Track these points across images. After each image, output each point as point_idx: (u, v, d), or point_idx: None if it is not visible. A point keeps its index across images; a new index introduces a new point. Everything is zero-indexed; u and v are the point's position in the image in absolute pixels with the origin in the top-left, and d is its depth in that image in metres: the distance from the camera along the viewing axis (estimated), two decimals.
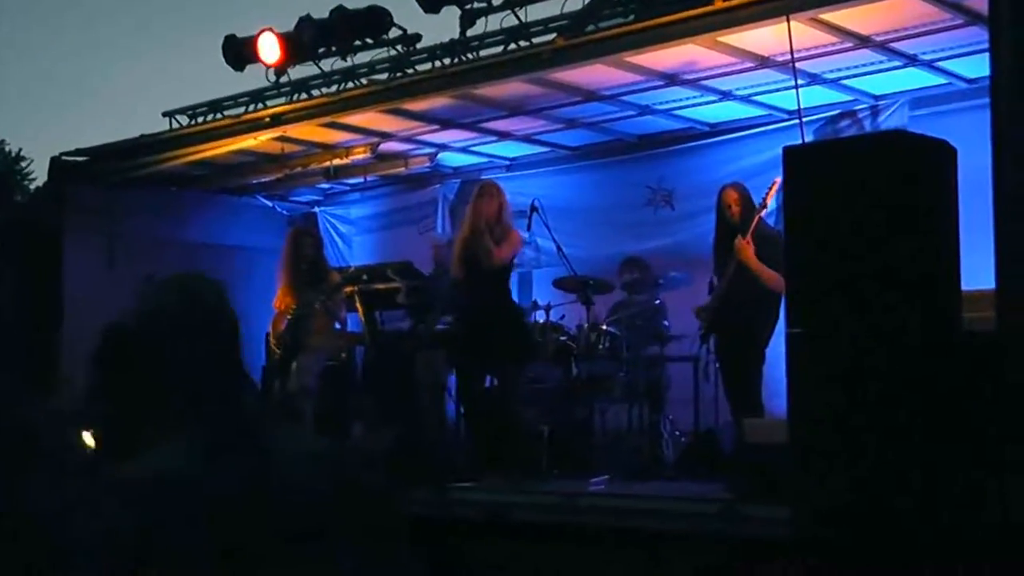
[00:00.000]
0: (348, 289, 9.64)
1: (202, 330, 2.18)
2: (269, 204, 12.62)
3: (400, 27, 9.44)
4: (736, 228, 8.05)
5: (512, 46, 8.66)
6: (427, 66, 9.25)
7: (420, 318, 9.80)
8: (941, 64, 8.47)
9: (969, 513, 5.07)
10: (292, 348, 9.05)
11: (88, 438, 3.58)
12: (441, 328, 9.28)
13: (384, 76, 9.57)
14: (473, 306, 8.32)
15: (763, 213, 8.09)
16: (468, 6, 8.81)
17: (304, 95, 10.03)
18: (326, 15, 9.59)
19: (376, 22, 9.44)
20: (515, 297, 10.91)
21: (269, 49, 9.70)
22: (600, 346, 8.91)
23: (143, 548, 1.94)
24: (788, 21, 7.27)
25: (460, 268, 8.34)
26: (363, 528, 2.16)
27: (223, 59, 10.06)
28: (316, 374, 9.09)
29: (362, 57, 9.73)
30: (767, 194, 7.99)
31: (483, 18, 8.80)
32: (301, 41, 9.60)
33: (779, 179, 7.99)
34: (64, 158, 11.12)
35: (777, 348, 7.03)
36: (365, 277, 9.97)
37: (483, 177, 11.53)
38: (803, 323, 5.50)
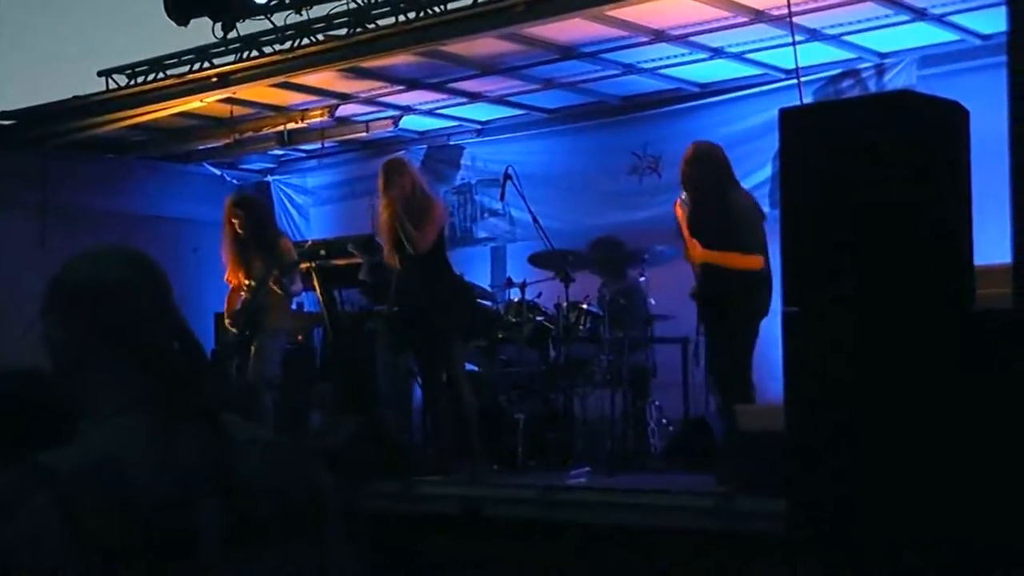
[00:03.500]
0: (304, 265, 9.55)
1: (157, 307, 2.16)
2: (217, 172, 12.59)
3: None
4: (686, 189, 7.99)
5: None
6: (390, 20, 9.21)
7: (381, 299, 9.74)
8: (953, 19, 8.50)
9: (986, 509, 5.10)
10: (249, 328, 8.84)
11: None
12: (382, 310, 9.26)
13: (343, 31, 9.53)
14: (411, 291, 8.28)
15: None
16: None
17: (255, 52, 9.98)
18: None
19: None
20: (486, 272, 10.94)
21: None
22: (580, 327, 8.93)
23: (73, 549, 1.90)
24: None
25: (392, 255, 8.29)
26: (313, 528, 2.15)
27: (165, 13, 9.99)
28: (279, 361, 8.94)
29: (318, 11, 9.69)
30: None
31: None
32: None
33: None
34: None
35: (771, 327, 7.05)
36: (323, 252, 9.92)
37: (451, 142, 11.55)
38: (801, 301, 5.50)
